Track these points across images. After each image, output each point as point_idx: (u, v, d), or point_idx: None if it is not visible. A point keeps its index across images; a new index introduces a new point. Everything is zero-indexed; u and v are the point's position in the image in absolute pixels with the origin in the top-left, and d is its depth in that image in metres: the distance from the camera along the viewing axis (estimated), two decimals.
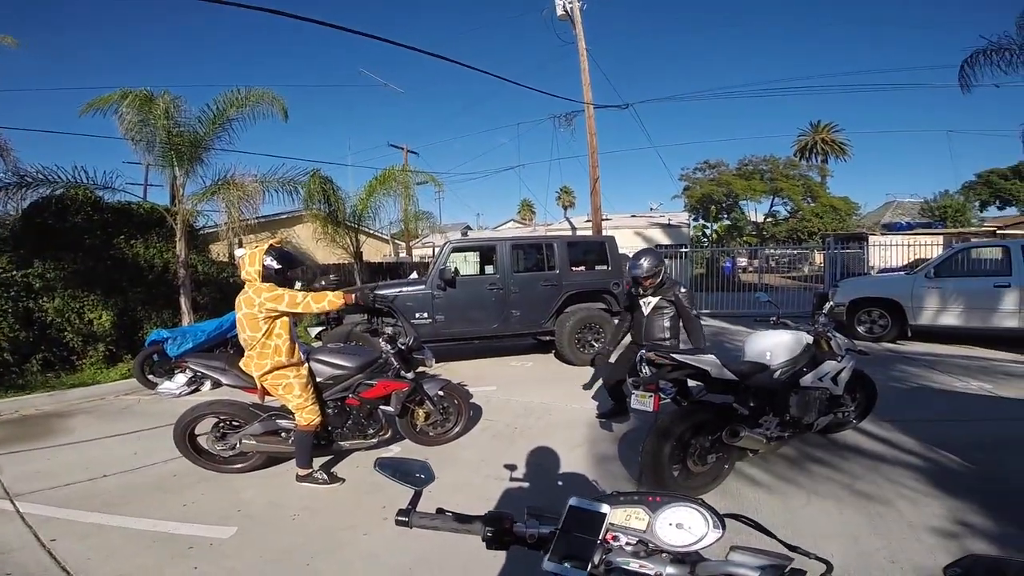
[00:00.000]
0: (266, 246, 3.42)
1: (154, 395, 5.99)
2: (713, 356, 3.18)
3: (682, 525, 0.86)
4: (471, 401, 4.55)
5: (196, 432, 3.61)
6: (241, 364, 3.41)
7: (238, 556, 2.62)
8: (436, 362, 4.58)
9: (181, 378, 5.97)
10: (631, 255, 4.12)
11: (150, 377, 6.30)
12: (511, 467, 3.45)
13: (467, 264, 7.75)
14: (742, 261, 21.17)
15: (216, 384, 3.92)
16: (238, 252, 3.68)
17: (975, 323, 7.55)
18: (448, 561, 2.49)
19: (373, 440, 3.79)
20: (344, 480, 3.49)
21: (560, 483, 3.45)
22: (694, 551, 0.86)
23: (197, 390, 5.98)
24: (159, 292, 8.24)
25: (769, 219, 37.27)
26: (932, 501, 2.95)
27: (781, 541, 0.90)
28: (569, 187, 46.29)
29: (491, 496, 3.15)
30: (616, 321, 7.23)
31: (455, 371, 6.49)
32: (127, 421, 5.00)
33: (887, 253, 14.15)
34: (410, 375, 3.94)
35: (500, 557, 2.43)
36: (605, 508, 0.89)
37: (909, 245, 13.88)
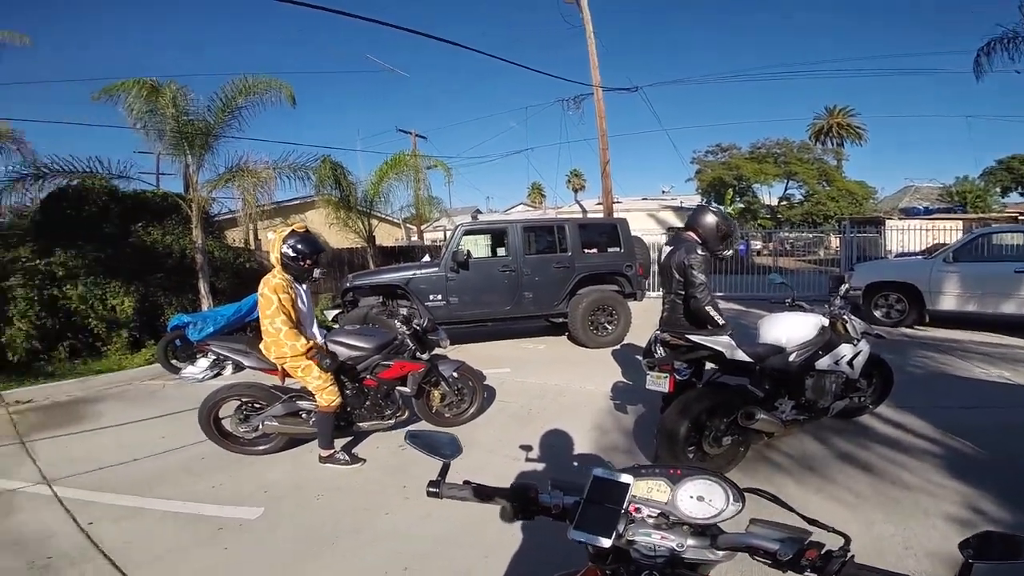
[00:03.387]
0: (287, 232, 3.47)
1: (178, 379, 6.14)
2: (728, 337, 3.18)
3: (703, 498, 0.90)
4: (485, 383, 4.61)
5: (220, 415, 3.71)
6: (261, 347, 3.50)
7: (266, 536, 2.72)
8: (450, 344, 4.65)
9: (203, 362, 6.11)
10: (719, 214, 3.54)
11: (173, 362, 6.45)
12: (526, 448, 3.51)
13: (478, 247, 7.77)
14: (756, 244, 20.93)
15: (238, 367, 4.01)
16: (269, 236, 3.75)
17: (994, 309, 7.40)
18: (468, 540, 2.56)
19: (390, 421, 3.88)
20: (365, 460, 3.58)
21: (575, 463, 3.52)
22: (714, 523, 0.89)
23: (219, 374, 6.12)
24: (178, 278, 8.40)
25: (783, 202, 36.82)
26: (947, 488, 2.95)
27: (800, 515, 0.93)
28: (579, 170, 46.06)
29: (507, 476, 3.20)
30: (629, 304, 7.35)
31: (469, 353, 6.54)
32: (154, 405, 5.14)
33: (904, 237, 13.88)
34: (425, 356, 4.01)
35: (517, 537, 2.50)
36: (628, 479, 0.92)
37: (927, 230, 13.60)
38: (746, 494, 0.92)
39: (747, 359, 3.17)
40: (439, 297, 6.85)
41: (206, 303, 7.97)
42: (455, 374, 4.17)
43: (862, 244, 13.40)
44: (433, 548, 2.55)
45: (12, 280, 6.78)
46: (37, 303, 6.83)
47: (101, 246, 7.74)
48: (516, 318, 7.36)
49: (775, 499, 0.97)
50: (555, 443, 3.79)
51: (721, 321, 3.34)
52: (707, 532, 0.89)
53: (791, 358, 3.30)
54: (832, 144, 37.05)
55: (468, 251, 7.01)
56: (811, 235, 21.25)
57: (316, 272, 3.61)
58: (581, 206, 27.88)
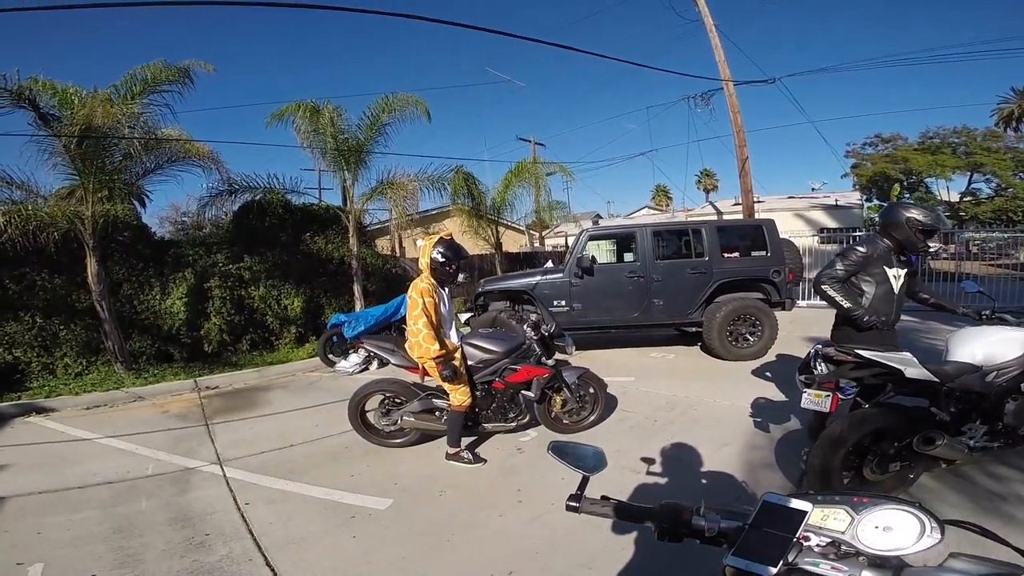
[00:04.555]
0: (436, 239, 3.73)
1: (332, 372, 6.92)
2: (908, 354, 2.74)
3: (890, 528, 0.79)
4: (607, 391, 4.49)
5: (366, 408, 4.07)
6: (405, 346, 3.77)
7: (391, 527, 2.89)
8: (575, 351, 4.59)
9: (355, 357, 6.85)
10: (920, 208, 3.27)
11: (330, 356, 7.29)
12: (648, 460, 3.34)
13: (605, 252, 7.61)
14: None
15: (383, 363, 4.38)
16: (418, 243, 4.08)
17: None
18: (576, 548, 2.51)
19: (512, 424, 3.95)
20: (486, 461, 3.69)
21: (704, 481, 3.26)
22: (897, 556, 0.77)
23: (366, 368, 6.80)
24: (337, 281, 9.53)
25: (968, 198, 30.76)
26: None
27: (1018, 549, 0.77)
28: (710, 170, 43.10)
29: (626, 489, 3.08)
30: (775, 313, 6.62)
31: (592, 359, 6.45)
32: (312, 395, 5.84)
33: None
34: (550, 362, 4.02)
35: (628, 550, 2.40)
36: (806, 505, 0.84)
37: None
38: (948, 526, 0.79)
39: (932, 378, 2.69)
40: (563, 303, 6.84)
41: (359, 304, 8.92)
42: (577, 380, 4.13)
43: None
44: (538, 552, 2.54)
45: (211, 282, 8.23)
46: (229, 302, 8.21)
47: (278, 253, 9.07)
48: (644, 326, 7.07)
49: (984, 531, 0.81)
50: (682, 457, 3.55)
51: (846, 304, 3.19)
52: (887, 564, 0.77)
53: (989, 378, 2.73)
54: None
55: (593, 256, 6.91)
56: (1007, 235, 17.40)
57: (460, 277, 3.83)
58: (715, 207, 26.04)
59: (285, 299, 8.77)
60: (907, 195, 31.03)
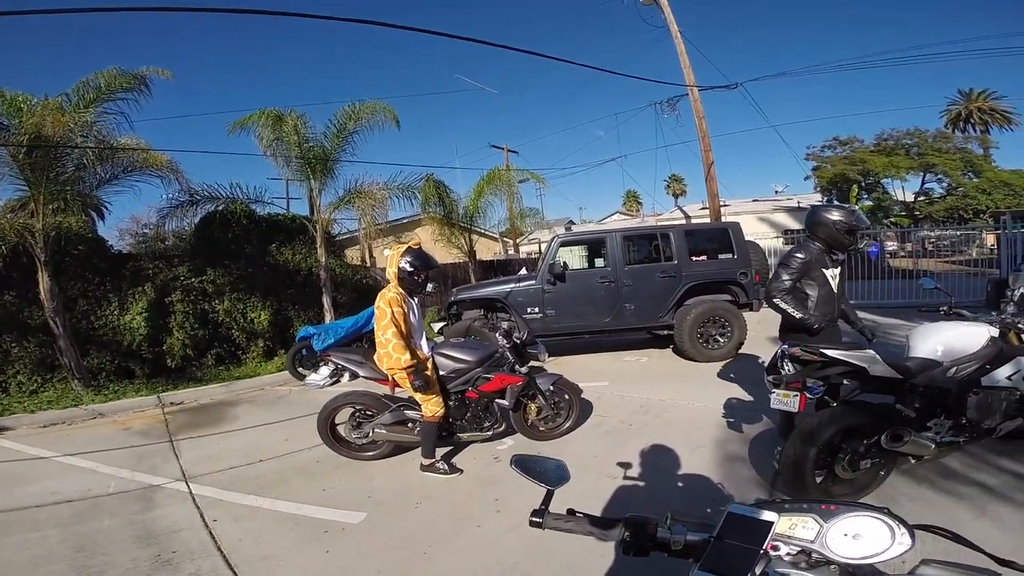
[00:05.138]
0: (404, 248, 3.67)
1: (302, 386, 6.74)
2: (872, 351, 2.81)
3: (859, 536, 0.77)
4: (582, 396, 4.48)
5: (336, 421, 3.96)
6: (375, 357, 3.69)
7: (365, 541, 2.82)
8: (548, 357, 4.58)
9: (325, 370, 6.68)
10: (839, 209, 3.38)
11: (299, 369, 7.10)
12: (625, 465, 3.34)
13: (577, 259, 7.65)
14: (891, 245, 18.43)
15: (354, 376, 4.28)
16: (386, 252, 4.00)
17: None
18: (555, 558, 2.48)
19: (488, 433, 3.91)
20: (463, 471, 3.62)
21: (680, 484, 3.26)
22: (869, 564, 0.76)
23: (337, 381, 6.64)
24: (305, 293, 9.31)
25: (922, 198, 32.27)
26: None
27: (991, 555, 0.77)
28: (678, 175, 44.09)
29: (603, 495, 3.07)
30: (743, 314, 6.77)
31: (566, 366, 6.45)
32: (281, 410, 5.67)
33: None
34: (524, 369, 3.99)
35: (607, 558, 2.38)
36: (772, 516, 0.81)
37: None
38: (918, 532, 0.78)
39: (895, 374, 2.77)
40: (536, 309, 6.85)
41: (328, 316, 8.71)
42: (552, 387, 4.11)
43: None
44: (517, 563, 2.50)
45: (173, 296, 7.94)
46: (192, 316, 7.93)
47: (243, 265, 8.81)
48: (617, 330, 7.13)
49: (955, 536, 0.80)
50: (658, 462, 3.55)
51: (798, 314, 3.29)
52: (859, 573, 0.77)
53: (951, 373, 2.83)
54: (975, 131, 31.95)
55: (565, 263, 6.94)
56: (959, 233, 18.23)
57: (429, 286, 3.77)
58: (683, 211, 26.62)
59: (251, 312, 8.52)
60: (865, 196, 32.31)
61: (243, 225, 9.07)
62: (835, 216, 3.34)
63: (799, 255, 3.38)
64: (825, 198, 30.37)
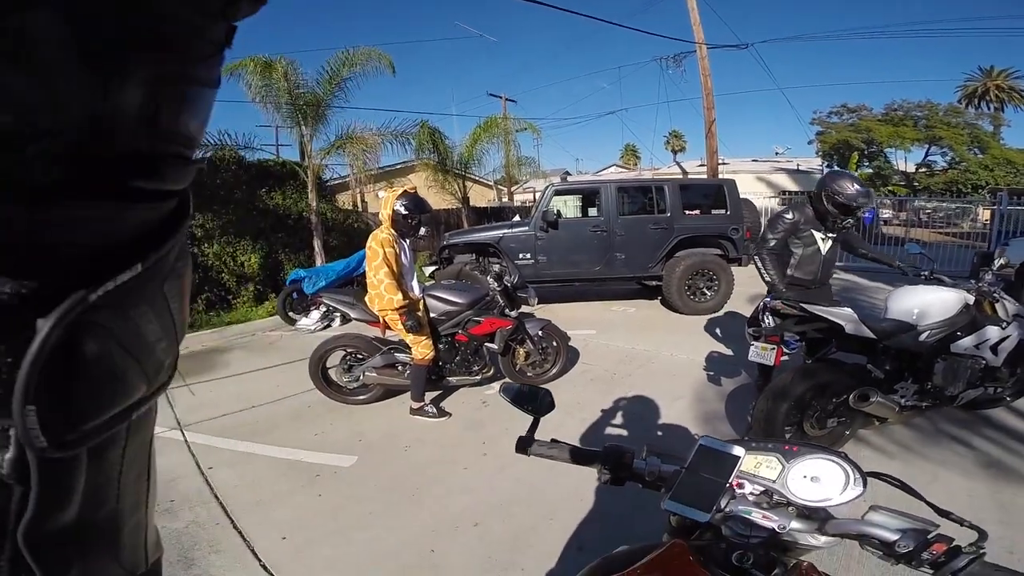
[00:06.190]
0: (399, 191, 3.65)
1: (293, 330, 6.80)
2: (850, 310, 2.88)
3: (817, 479, 0.83)
4: (569, 344, 4.59)
5: (327, 365, 4.04)
6: (366, 299, 3.73)
7: (356, 484, 2.92)
8: (538, 304, 4.65)
9: (316, 314, 6.72)
10: (837, 178, 3.35)
11: (290, 314, 7.14)
12: (607, 412, 3.47)
13: (571, 207, 7.63)
14: (886, 212, 18.44)
15: (345, 319, 4.32)
16: (381, 195, 3.96)
17: None
18: (539, 498, 2.61)
19: (477, 377, 4.02)
20: (451, 415, 3.75)
21: (659, 433, 3.42)
22: (824, 507, 0.82)
23: (328, 326, 6.70)
24: (296, 237, 9.25)
25: (923, 169, 31.96)
26: None
27: (932, 505, 0.82)
28: (679, 131, 43.28)
29: (585, 440, 3.21)
30: (732, 268, 6.86)
31: (555, 313, 6.50)
32: (272, 355, 5.74)
33: None
34: (514, 314, 4.07)
35: (588, 499, 2.51)
36: (739, 451, 0.86)
37: None
38: (870, 479, 0.83)
39: (870, 335, 2.84)
40: (528, 255, 6.90)
41: (320, 259, 8.72)
42: (540, 333, 4.20)
43: (1020, 218, 11.25)
44: (503, 504, 2.63)
45: None
46: None
47: (233, 209, 8.68)
48: (607, 279, 7.24)
49: (904, 486, 0.85)
50: (638, 410, 3.70)
51: (767, 276, 3.35)
52: (815, 516, 0.82)
53: (922, 337, 2.91)
54: (989, 108, 31.30)
55: (558, 211, 6.95)
56: (955, 205, 18.21)
57: (422, 231, 3.76)
58: (681, 167, 26.26)
59: (241, 256, 8.45)
60: (866, 163, 31.94)
61: (232, 171, 8.88)
62: (838, 185, 3.27)
63: (787, 216, 3.42)
64: (825, 163, 29.97)
